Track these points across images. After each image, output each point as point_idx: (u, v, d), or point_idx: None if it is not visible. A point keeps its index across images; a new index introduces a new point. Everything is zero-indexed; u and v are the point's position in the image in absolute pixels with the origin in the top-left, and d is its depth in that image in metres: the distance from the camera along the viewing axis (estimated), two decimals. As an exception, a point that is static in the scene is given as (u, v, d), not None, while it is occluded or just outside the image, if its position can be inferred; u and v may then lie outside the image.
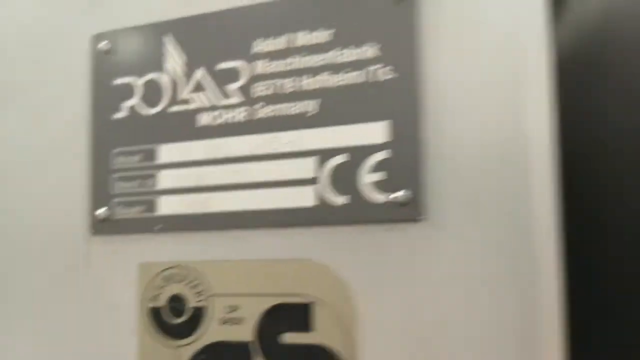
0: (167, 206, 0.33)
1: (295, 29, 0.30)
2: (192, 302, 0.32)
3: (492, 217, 0.28)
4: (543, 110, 0.28)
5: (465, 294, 0.28)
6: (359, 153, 0.29)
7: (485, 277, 0.27)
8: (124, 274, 0.34)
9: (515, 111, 0.28)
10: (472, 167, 0.28)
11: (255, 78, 0.31)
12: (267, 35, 0.31)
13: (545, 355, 0.27)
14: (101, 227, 0.34)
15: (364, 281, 0.29)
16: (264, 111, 0.31)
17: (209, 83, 0.32)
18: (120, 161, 0.34)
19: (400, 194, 0.28)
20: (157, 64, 0.33)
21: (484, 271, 0.28)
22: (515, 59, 0.28)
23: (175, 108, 0.33)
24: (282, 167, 0.30)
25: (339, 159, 0.29)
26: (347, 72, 0.30)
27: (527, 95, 0.28)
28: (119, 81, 0.34)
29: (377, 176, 0.29)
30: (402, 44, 0.29)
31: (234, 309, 0.31)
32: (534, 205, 0.27)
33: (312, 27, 0.30)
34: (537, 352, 0.27)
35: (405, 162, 0.28)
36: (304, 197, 0.30)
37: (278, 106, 0.31)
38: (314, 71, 0.30)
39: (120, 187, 0.34)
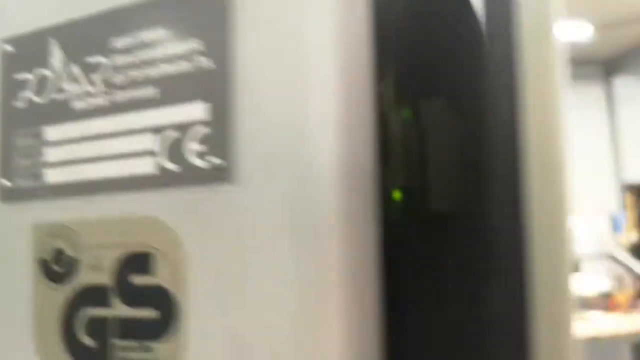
0: (52, 177, 0.40)
1: (141, 29, 0.37)
2: (70, 254, 0.39)
3: (285, 180, 0.34)
4: (325, 90, 0.34)
5: (264, 238, 0.34)
6: (186, 129, 0.36)
7: (279, 226, 0.34)
8: (24, 232, 0.41)
9: (303, 96, 0.34)
10: (271, 139, 0.34)
11: (113, 70, 0.38)
12: (121, 34, 0.38)
13: (326, 295, 0.33)
14: (7, 195, 0.42)
15: (192, 232, 0.36)
16: (119, 96, 0.38)
17: (81, 75, 0.39)
18: (19, 141, 0.41)
19: (217, 161, 0.35)
20: (44, 62, 0.40)
21: (278, 221, 0.34)
22: (303, 51, 0.34)
23: (57, 96, 0.40)
24: (132, 141, 0.37)
25: (172, 134, 0.36)
26: (179, 63, 0.36)
27: (312, 83, 0.34)
28: (19, 76, 0.42)
29: (201, 147, 0.35)
30: (220, 40, 0.35)
31: (98, 258, 0.38)
32: (315, 174, 0.33)
33: (153, 27, 0.37)
34: (320, 293, 0.33)
35: (222, 135, 0.35)
36: (147, 166, 0.37)
37: (129, 92, 0.37)
38: (155, 62, 0.37)
39: (20, 162, 0.41)
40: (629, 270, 2.48)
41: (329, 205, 0.33)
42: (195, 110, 0.36)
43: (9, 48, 0.42)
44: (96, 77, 0.38)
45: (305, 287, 0.33)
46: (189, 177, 0.36)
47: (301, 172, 0.33)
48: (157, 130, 0.37)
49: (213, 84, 0.35)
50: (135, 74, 0.37)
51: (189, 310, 0.35)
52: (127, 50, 0.38)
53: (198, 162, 0.35)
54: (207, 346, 0.35)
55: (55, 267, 0.40)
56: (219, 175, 0.35)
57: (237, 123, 0.35)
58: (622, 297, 2.47)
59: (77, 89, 0.39)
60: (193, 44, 0.36)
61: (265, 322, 0.34)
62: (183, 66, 0.36)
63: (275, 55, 0.34)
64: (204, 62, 0.36)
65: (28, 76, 0.41)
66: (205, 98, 0.35)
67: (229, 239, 0.35)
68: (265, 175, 0.34)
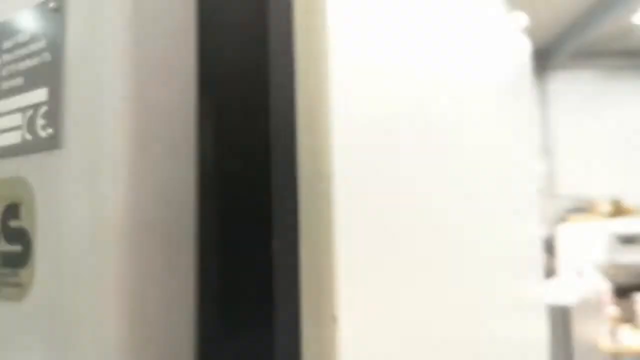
0: (-27, 148, 0.53)
1: (15, 34, 0.49)
2: (-17, 205, 0.52)
3: (92, 150, 0.43)
4: (117, 69, 0.43)
5: (79, 191, 0.44)
6: (37, 107, 0.47)
7: (86, 184, 0.43)
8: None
9: (101, 82, 0.43)
10: (84, 116, 0.44)
11: (2, 65, 0.50)
12: (7, 38, 0.50)
13: (109, 258, 0.42)
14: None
15: (40, 187, 0.47)
16: (4, 85, 0.50)
17: (-13, 71, 0.52)
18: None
19: (52, 131, 0.45)
20: (-29, 61, 0.54)
21: (86, 180, 0.43)
22: (102, 42, 0.43)
23: (-23, 88, 0.53)
24: (9, 119, 0.49)
25: (29, 112, 0.47)
26: (34, 57, 0.47)
27: (105, 70, 0.43)
28: (-39, 73, 0.56)
29: (43, 121, 0.46)
30: (57, 37, 0.46)
31: (-6, 208, 0.51)
32: (110, 149, 0.43)
33: (21, 32, 0.48)
34: (105, 253, 0.42)
35: (55, 112, 0.45)
36: (16, 138, 0.48)
37: (10, 82, 0.49)
38: (23, 59, 0.48)
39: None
40: None
41: (118, 181, 0.42)
42: (42, 93, 0.47)
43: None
44: (-6, 71, 0.51)
45: (96, 243, 0.43)
46: (38, 144, 0.47)
47: (100, 149, 0.43)
48: (22, 110, 0.48)
49: (52, 73, 0.46)
50: (13, 67, 0.49)
51: (38, 245, 0.47)
52: (9, 50, 0.50)
53: (42, 133, 0.46)
54: (48, 271, 0.46)
55: (-25, 215, 0.53)
56: (53, 142, 0.45)
57: (64, 102, 0.45)
58: None
59: (-15, 82, 0.52)
60: (41, 43, 0.47)
61: (75, 254, 0.44)
62: (36, 60, 0.47)
63: (87, 48, 0.44)
64: (47, 55, 0.46)
65: (-35, 73, 0.55)
66: (47, 84, 0.46)
67: (60, 191, 0.45)
68: (81, 143, 0.44)
